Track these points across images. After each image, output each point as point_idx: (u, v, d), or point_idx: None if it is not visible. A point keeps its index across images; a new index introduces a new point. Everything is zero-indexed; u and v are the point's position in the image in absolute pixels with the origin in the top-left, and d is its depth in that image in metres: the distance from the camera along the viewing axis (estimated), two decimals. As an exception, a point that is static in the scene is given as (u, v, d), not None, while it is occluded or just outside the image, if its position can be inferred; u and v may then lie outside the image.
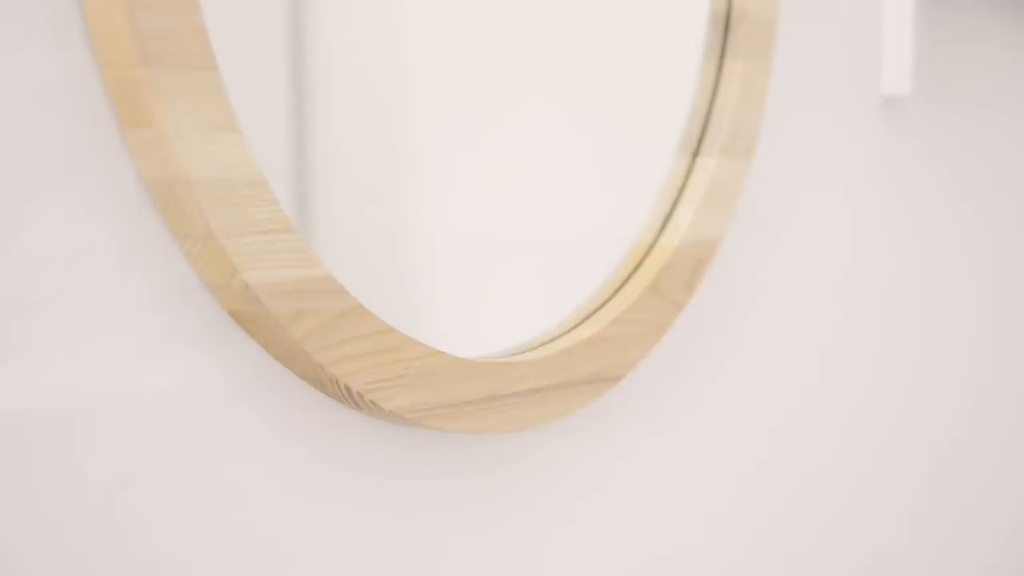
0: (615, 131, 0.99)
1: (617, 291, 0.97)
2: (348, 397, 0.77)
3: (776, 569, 1.18)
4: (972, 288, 1.40)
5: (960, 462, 1.42)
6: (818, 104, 1.16)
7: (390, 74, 0.85)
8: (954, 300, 1.37)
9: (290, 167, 0.79)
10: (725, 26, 1.01)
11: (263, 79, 0.78)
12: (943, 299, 1.36)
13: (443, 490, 0.87)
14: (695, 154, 1.01)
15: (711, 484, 1.10)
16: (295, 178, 0.80)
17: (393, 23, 0.84)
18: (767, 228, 1.12)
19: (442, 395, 0.82)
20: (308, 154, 0.80)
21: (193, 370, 0.73)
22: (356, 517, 0.82)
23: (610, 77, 0.98)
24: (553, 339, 0.92)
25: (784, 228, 1.14)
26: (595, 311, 0.95)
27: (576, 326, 0.94)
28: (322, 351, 0.75)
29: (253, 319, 0.73)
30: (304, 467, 0.79)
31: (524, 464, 0.93)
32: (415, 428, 0.83)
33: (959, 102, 1.33)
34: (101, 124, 0.68)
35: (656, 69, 1.01)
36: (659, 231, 0.99)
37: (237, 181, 0.70)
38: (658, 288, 0.97)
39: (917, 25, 1.21)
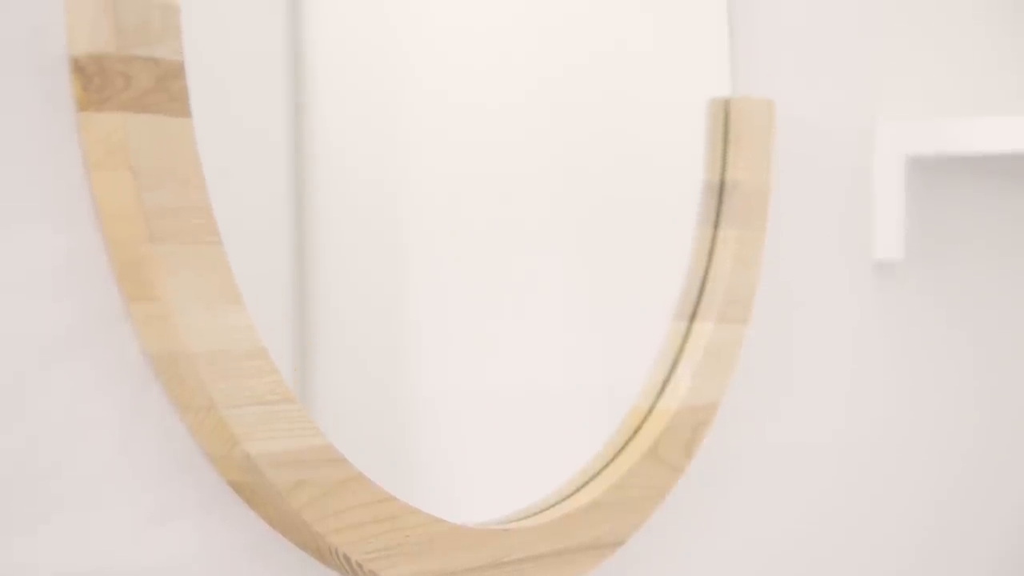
0: (613, 295, 1.00)
1: (616, 455, 0.97)
2: (348, 567, 0.77)
3: None
4: (967, 448, 1.40)
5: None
6: (813, 269, 1.18)
7: (389, 242, 0.86)
8: (950, 461, 1.37)
9: (291, 333, 0.81)
10: (719, 195, 1.03)
11: (265, 246, 0.80)
12: (939, 460, 1.36)
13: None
14: (692, 319, 1.02)
15: (714, 650, 1.09)
16: (296, 344, 0.81)
17: (392, 187, 0.86)
18: (765, 392, 1.13)
19: (442, 564, 0.82)
20: (308, 320, 0.81)
21: (193, 542, 0.73)
22: None
23: (607, 243, 1.00)
24: (552, 505, 0.92)
25: (782, 391, 1.15)
26: (594, 476, 0.96)
27: (575, 491, 0.94)
28: (322, 520, 0.75)
29: (253, 489, 0.74)
30: (303, 638, 0.78)
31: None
32: (414, 597, 0.83)
33: (951, 266, 1.35)
34: (106, 299, 0.69)
35: (652, 236, 1.03)
36: (658, 395, 1.00)
37: (239, 353, 0.72)
38: (657, 452, 0.97)
39: (908, 191, 1.24)
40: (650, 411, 0.99)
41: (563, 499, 0.93)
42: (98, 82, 0.66)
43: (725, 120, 1.04)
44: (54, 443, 0.68)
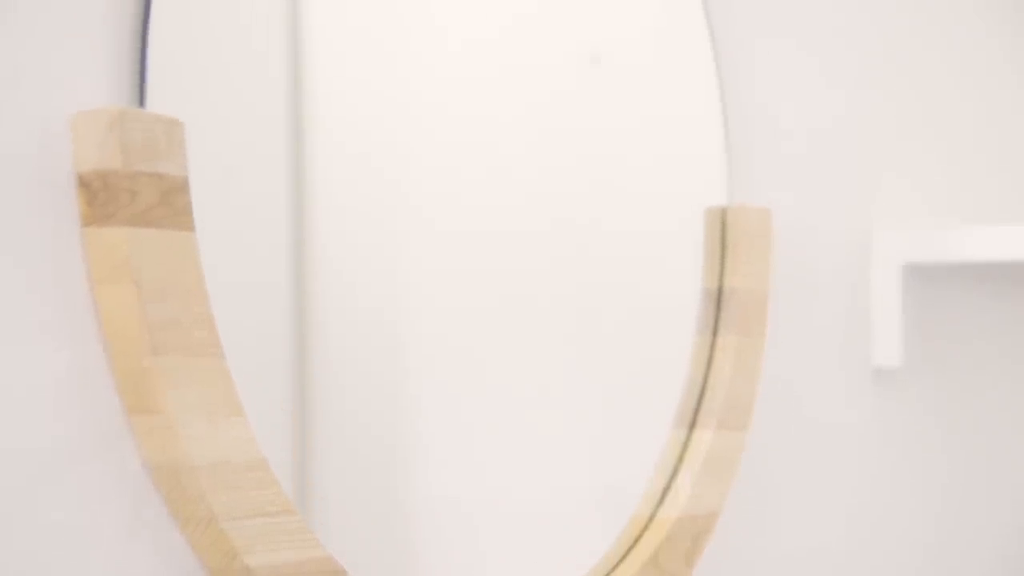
0: (613, 401, 1.01)
1: (617, 565, 0.97)
2: None
3: None
4: (968, 554, 1.39)
5: None
6: (812, 376, 1.18)
7: (389, 347, 0.87)
8: (950, 566, 1.36)
9: (291, 441, 0.81)
10: (717, 302, 1.04)
11: (266, 354, 0.80)
12: (940, 566, 1.35)
13: None
14: (692, 426, 1.02)
15: None
16: (296, 452, 0.81)
17: (393, 294, 0.87)
18: (765, 499, 1.13)
19: (441, 676, 0.81)
20: (309, 427, 0.82)
21: (191, 656, 0.73)
22: None
23: (607, 349, 1.00)
24: (554, 615, 0.92)
25: (782, 499, 1.15)
26: (595, 586, 0.95)
27: (576, 602, 0.94)
28: (321, 633, 0.75)
29: (253, 602, 0.74)
30: None
31: None
32: None
33: (949, 372, 1.35)
34: (108, 411, 0.70)
35: (652, 341, 1.03)
36: (658, 503, 1.00)
37: (239, 465, 0.72)
38: (657, 561, 0.97)
39: (905, 298, 1.24)
40: (651, 519, 0.99)
41: (564, 609, 0.93)
42: (103, 198, 0.67)
43: (722, 228, 1.04)
44: (54, 556, 0.68)
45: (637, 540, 0.98)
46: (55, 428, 0.68)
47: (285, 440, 0.80)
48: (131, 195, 0.67)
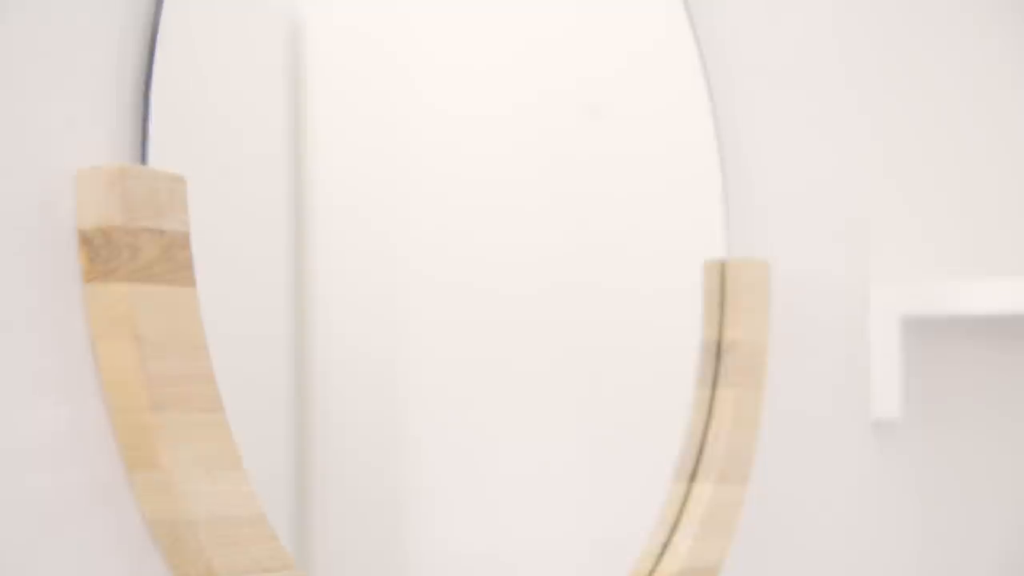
0: (612, 457, 1.00)
1: (617, 621, 0.96)
2: None
3: None
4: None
5: None
6: (811, 428, 1.18)
7: (388, 401, 0.87)
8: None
9: (290, 494, 0.81)
10: (717, 355, 1.04)
11: (266, 407, 0.80)
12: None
13: None
14: (692, 480, 1.02)
15: None
16: (295, 505, 0.81)
17: (391, 354, 0.87)
18: (766, 553, 1.12)
19: None
20: (308, 480, 0.82)
21: None
22: None
23: (606, 404, 1.00)
24: (553, 671, 0.91)
25: (782, 551, 1.14)
26: (595, 641, 0.95)
27: (576, 657, 0.93)
28: None
29: (252, 658, 0.73)
30: None
31: None
32: None
33: (949, 424, 1.35)
34: (108, 467, 0.70)
35: (651, 395, 1.03)
36: (658, 558, 0.99)
37: (239, 520, 0.72)
38: (658, 616, 0.96)
39: (904, 350, 1.24)
40: (650, 575, 0.98)
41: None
42: (105, 254, 0.67)
43: (721, 281, 1.05)
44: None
45: (638, 595, 0.98)
46: (55, 483, 0.68)
47: (285, 494, 0.80)
48: (132, 251, 0.67)
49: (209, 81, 0.77)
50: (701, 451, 1.03)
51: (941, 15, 1.38)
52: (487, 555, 0.91)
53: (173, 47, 0.72)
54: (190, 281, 0.70)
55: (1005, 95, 1.46)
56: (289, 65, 0.82)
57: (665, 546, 1.00)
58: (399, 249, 0.88)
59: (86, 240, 0.68)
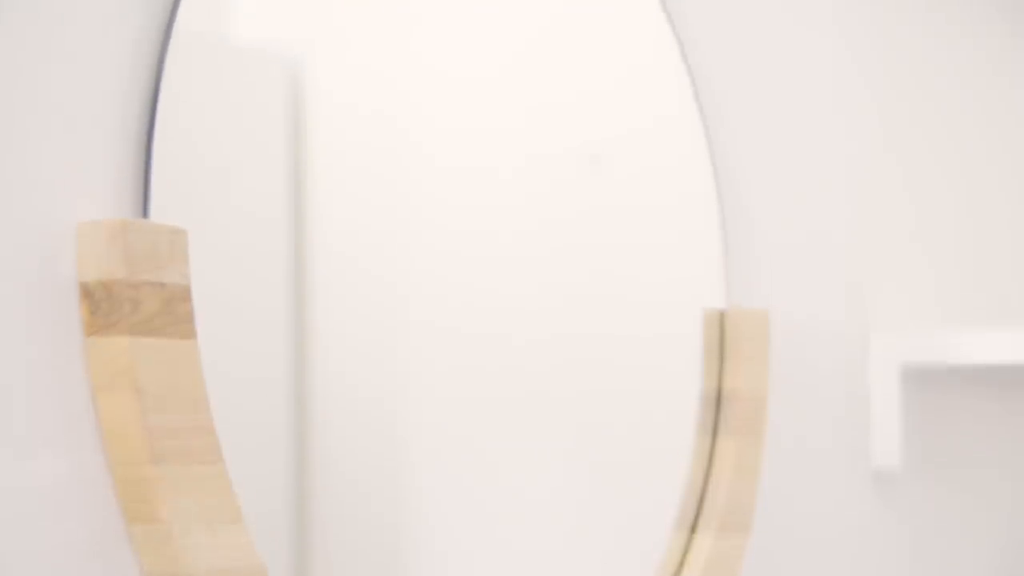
0: (613, 507, 1.00)
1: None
2: None
3: None
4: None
5: None
6: (811, 477, 1.18)
7: (388, 457, 0.87)
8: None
9: (290, 543, 0.80)
10: (716, 404, 1.04)
11: (266, 456, 0.80)
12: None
13: None
14: (692, 530, 1.02)
15: None
16: (295, 555, 0.80)
17: (391, 397, 0.87)
18: (767, 602, 1.12)
19: None
20: (308, 534, 0.81)
21: None
22: None
23: (606, 454, 1.00)
24: None
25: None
26: None
27: None
28: None
29: None
30: None
31: None
32: None
33: (949, 474, 1.35)
34: (108, 521, 0.69)
35: (651, 445, 1.03)
36: (659, 609, 0.99)
37: (239, 572, 0.71)
38: (659, 668, 0.96)
39: (903, 400, 1.24)
40: (652, 625, 0.98)
41: None
42: (106, 307, 0.68)
43: (721, 330, 1.05)
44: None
45: (638, 646, 0.98)
46: (54, 536, 0.68)
47: (286, 546, 0.80)
48: (134, 304, 0.68)
49: (210, 134, 0.78)
50: (702, 501, 1.02)
51: (939, 62, 1.39)
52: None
53: (174, 101, 0.72)
54: (191, 334, 0.70)
55: (1004, 144, 1.47)
56: (289, 118, 0.82)
57: (666, 597, 0.99)
58: (401, 301, 0.88)
59: (87, 293, 0.68)
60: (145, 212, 0.71)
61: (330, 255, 0.84)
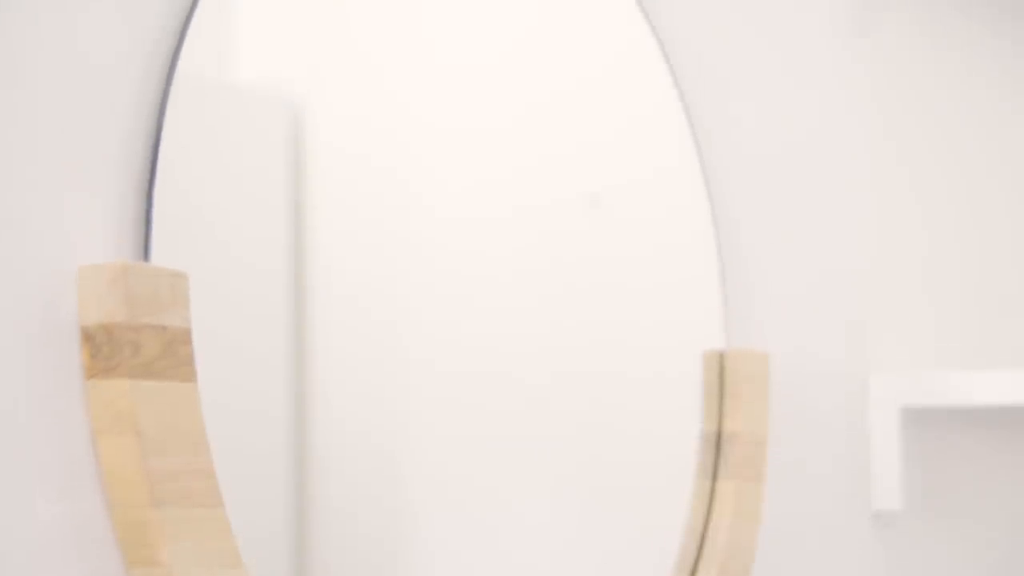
0: (613, 550, 1.00)
1: None
2: None
3: None
4: None
5: None
6: (812, 520, 1.18)
7: (389, 502, 0.86)
8: None
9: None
10: (717, 446, 1.04)
11: (265, 500, 0.80)
12: None
13: None
14: (692, 573, 1.01)
15: None
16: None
17: (391, 435, 0.87)
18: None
19: None
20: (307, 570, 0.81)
21: None
22: None
23: (606, 496, 1.00)
24: None
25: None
26: None
27: None
28: None
29: None
30: None
31: None
32: None
33: (949, 515, 1.34)
34: (108, 564, 0.69)
35: (650, 487, 1.03)
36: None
37: (239, 616, 0.71)
38: None
39: (904, 441, 1.24)
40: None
41: None
42: (107, 351, 0.68)
43: (720, 372, 1.05)
44: None
45: None
46: (53, 580, 0.68)
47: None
48: (134, 347, 0.68)
49: (211, 177, 0.78)
50: (702, 544, 1.02)
51: (939, 103, 1.39)
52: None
53: (175, 144, 0.72)
54: (191, 376, 0.70)
55: (1004, 184, 1.47)
56: (290, 160, 0.82)
57: (667, 641, 0.99)
58: (401, 344, 0.88)
59: (88, 336, 0.68)
60: (146, 255, 0.71)
61: (331, 299, 0.84)
